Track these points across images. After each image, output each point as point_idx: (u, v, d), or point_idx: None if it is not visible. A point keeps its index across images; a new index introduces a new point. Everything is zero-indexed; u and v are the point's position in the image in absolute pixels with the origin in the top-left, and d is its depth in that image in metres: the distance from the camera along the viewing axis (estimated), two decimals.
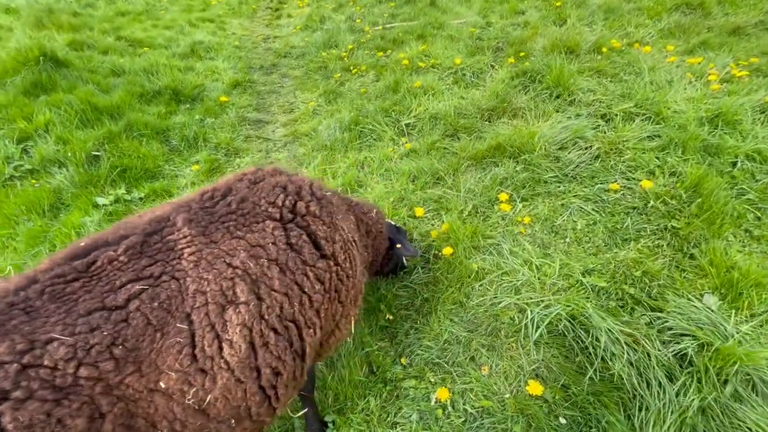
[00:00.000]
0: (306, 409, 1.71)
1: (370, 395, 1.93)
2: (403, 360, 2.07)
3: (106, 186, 3.43)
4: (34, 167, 3.54)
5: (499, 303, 2.18)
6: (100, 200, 3.26)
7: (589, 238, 2.47)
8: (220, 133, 4.33)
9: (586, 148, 3.06)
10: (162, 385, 0.91)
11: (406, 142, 3.66)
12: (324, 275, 1.21)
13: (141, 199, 3.40)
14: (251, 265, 1.06)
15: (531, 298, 2.14)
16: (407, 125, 3.88)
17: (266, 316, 1.05)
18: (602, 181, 2.80)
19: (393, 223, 2.24)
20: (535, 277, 2.25)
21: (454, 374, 1.96)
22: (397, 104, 4.17)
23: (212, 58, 6.32)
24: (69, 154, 3.61)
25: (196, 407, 0.97)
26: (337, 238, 1.29)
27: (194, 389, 0.94)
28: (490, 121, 3.71)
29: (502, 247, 2.47)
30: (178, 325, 0.94)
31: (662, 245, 2.31)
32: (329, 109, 4.56)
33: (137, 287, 0.92)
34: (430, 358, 2.05)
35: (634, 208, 2.57)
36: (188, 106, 4.91)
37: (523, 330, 2.03)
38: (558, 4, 5.80)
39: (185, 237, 1.04)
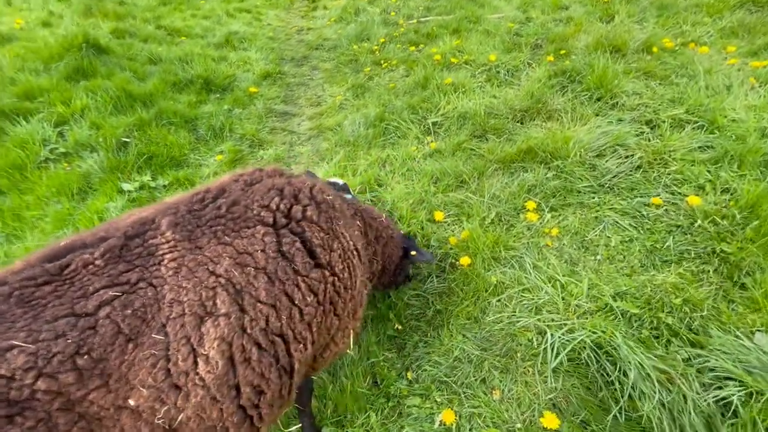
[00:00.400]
0: (300, 426, 1.63)
1: (372, 410, 1.83)
2: (409, 374, 1.96)
3: (133, 172, 3.49)
4: (67, 151, 3.66)
5: (517, 322, 2.01)
6: (126, 186, 3.32)
7: (624, 257, 2.25)
8: (247, 124, 4.33)
9: (626, 157, 2.81)
10: (131, 402, 0.84)
11: (431, 142, 3.51)
12: (318, 286, 1.11)
13: (165, 186, 3.44)
14: (236, 273, 0.97)
15: (553, 320, 1.96)
16: (434, 124, 3.72)
17: (249, 330, 0.96)
18: (643, 194, 2.55)
19: (402, 232, 2.12)
20: (559, 296, 2.07)
21: (462, 396, 1.83)
22: (425, 101, 4.02)
23: (245, 49, 6.37)
24: (101, 140, 3.70)
25: (167, 426, 0.90)
26: (335, 246, 1.19)
27: (166, 407, 0.87)
28: (522, 123, 3.49)
29: (525, 260, 2.30)
30: (153, 335, 0.87)
31: (708, 271, 2.07)
32: (356, 104, 4.47)
33: (110, 294, 0.85)
34: (437, 376, 1.92)
35: (678, 226, 2.32)
36: (218, 95, 4.96)
37: (541, 354, 1.86)
38: None
39: (168, 242, 0.96)
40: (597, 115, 3.28)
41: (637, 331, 1.85)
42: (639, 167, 2.73)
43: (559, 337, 1.85)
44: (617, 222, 2.43)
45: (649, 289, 2.02)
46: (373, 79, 4.96)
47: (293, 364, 1.06)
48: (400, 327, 2.16)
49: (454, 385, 1.87)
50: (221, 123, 4.22)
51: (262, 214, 1.09)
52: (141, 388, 0.85)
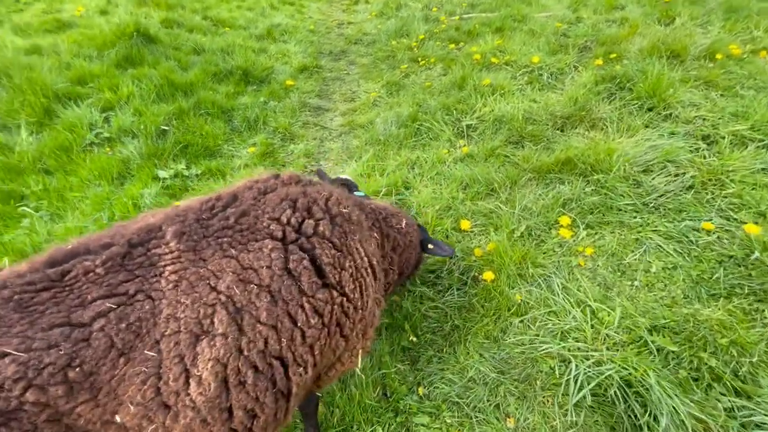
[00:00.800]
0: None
1: (379, 424, 1.78)
2: (420, 390, 1.89)
3: (169, 160, 3.61)
4: (111, 136, 3.82)
5: (540, 347, 1.89)
6: (161, 173, 3.43)
7: (665, 286, 2.07)
8: (280, 117, 4.36)
9: (677, 175, 2.58)
10: (118, 418, 0.82)
11: (464, 145, 3.38)
12: (324, 307, 1.06)
13: (197, 176, 3.53)
14: (237, 291, 0.94)
15: (579, 349, 1.83)
16: (468, 126, 3.59)
17: (246, 352, 0.93)
18: (692, 218, 2.34)
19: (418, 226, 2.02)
20: (587, 323, 1.93)
21: (474, 420, 1.74)
22: (460, 102, 3.88)
23: (285, 41, 6.43)
24: (141, 127, 3.84)
25: None
26: (347, 264, 1.13)
27: (153, 426, 0.85)
28: (562, 131, 3.30)
29: (554, 280, 2.16)
30: (146, 351, 0.85)
31: (763, 311, 1.86)
32: (390, 102, 4.40)
33: (107, 305, 0.84)
34: (449, 395, 1.85)
35: (731, 257, 2.10)
36: (255, 87, 5.03)
37: (563, 385, 1.74)
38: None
39: (171, 252, 0.94)
40: (647, 127, 3.04)
41: (674, 370, 1.69)
42: (690, 187, 2.50)
43: (585, 369, 1.72)
44: (660, 246, 2.24)
45: (692, 324, 1.84)
46: (409, 77, 4.86)
47: (291, 388, 1.01)
48: (415, 339, 2.10)
49: (466, 408, 1.79)
50: (256, 115, 4.28)
51: (271, 227, 1.05)
52: (129, 405, 0.83)
